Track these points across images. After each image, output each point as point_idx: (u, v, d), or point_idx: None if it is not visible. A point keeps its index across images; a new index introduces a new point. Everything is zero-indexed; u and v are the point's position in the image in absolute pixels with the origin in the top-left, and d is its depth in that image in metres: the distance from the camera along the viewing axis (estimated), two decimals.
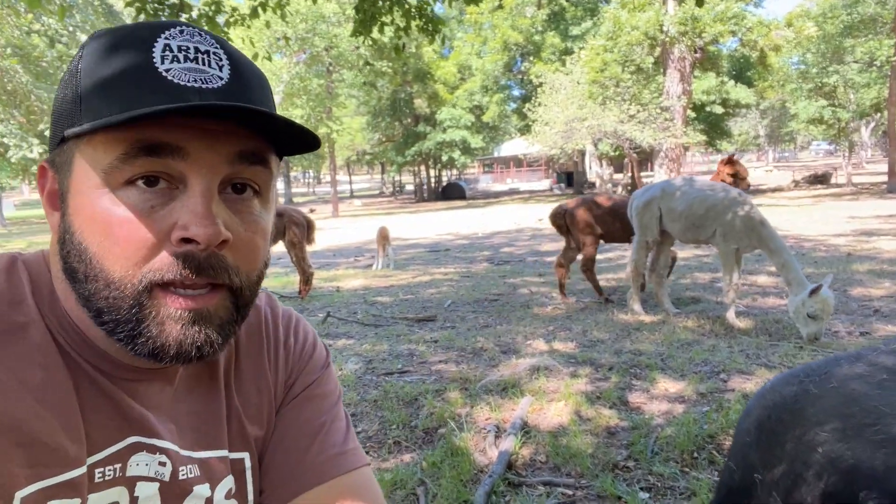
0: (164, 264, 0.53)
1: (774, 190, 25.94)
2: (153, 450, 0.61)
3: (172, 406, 0.64)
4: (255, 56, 6.06)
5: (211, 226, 0.52)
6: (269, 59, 6.36)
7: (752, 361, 3.96)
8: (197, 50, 0.55)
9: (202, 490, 0.65)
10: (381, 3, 5.62)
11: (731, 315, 4.94)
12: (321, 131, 30.97)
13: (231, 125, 0.55)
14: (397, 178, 51.93)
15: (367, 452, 2.86)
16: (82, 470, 0.55)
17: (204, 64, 0.55)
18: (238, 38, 6.41)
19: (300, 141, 0.59)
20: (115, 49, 0.54)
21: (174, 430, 0.64)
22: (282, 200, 36.69)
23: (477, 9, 31.35)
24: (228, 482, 0.68)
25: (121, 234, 0.52)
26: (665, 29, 19.34)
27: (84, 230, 0.54)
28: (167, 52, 0.54)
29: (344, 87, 33.16)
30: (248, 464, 0.70)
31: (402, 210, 32.54)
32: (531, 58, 32.64)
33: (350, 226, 22.57)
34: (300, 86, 29.45)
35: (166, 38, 0.54)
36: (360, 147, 41.27)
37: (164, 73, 0.53)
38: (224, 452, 0.68)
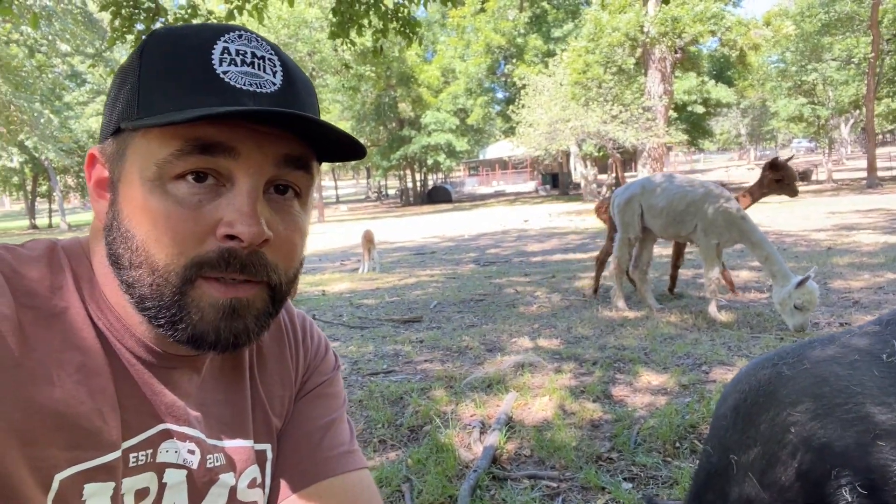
0: (209, 258, 0.55)
1: None
2: (183, 437, 0.62)
3: (200, 395, 0.66)
4: None
5: (255, 225, 0.55)
6: None
7: (734, 353, 4.00)
8: (254, 55, 0.57)
9: (227, 479, 0.66)
10: (357, 6, 5.62)
11: (713, 309, 4.99)
12: None
13: (280, 129, 0.57)
14: (383, 182, 51.91)
15: None
16: (118, 454, 0.57)
17: (259, 69, 0.57)
18: None
19: (343, 149, 0.62)
20: (177, 48, 0.56)
21: (201, 418, 0.65)
22: None
23: (459, 12, 31.52)
24: (252, 472, 0.69)
25: (168, 224, 0.54)
26: (645, 30, 19.52)
27: (133, 219, 0.55)
28: (226, 55, 0.56)
29: (328, 92, 33.07)
30: (269, 455, 0.72)
31: (387, 214, 32.52)
32: (514, 60, 32.82)
33: (336, 230, 22.52)
34: None
35: (225, 42, 0.56)
36: None
37: (221, 76, 0.55)
38: (249, 442, 0.69)
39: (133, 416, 0.59)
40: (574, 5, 32.31)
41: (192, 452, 0.63)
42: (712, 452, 1.53)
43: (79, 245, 0.62)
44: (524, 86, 25.03)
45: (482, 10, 31.75)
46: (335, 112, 36.16)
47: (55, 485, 0.52)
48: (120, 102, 0.57)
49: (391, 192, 53.17)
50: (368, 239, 10.15)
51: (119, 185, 0.57)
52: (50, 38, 19.17)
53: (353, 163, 46.47)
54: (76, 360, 0.55)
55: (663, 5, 19.20)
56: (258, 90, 0.56)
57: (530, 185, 42.62)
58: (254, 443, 0.70)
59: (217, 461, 0.65)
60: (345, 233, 20.57)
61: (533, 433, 2.90)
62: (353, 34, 5.99)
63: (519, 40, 32.60)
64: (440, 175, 47.22)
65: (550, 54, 28.15)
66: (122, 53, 30.74)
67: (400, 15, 5.85)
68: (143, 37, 0.61)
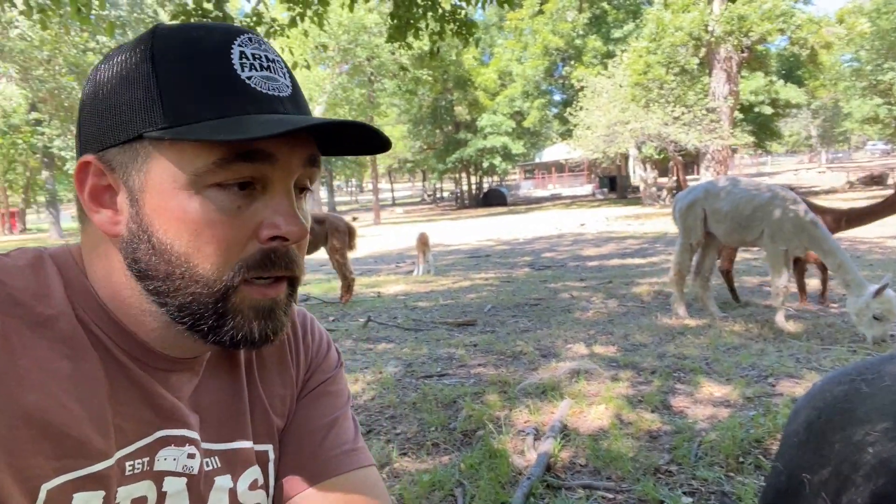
0: (253, 260, 0.56)
1: (828, 192, 24.99)
2: (181, 442, 0.62)
3: (197, 397, 0.65)
4: (295, 65, 6.19)
5: (299, 223, 0.57)
6: (308, 67, 6.47)
7: (803, 365, 3.82)
8: (267, 59, 0.58)
9: (224, 482, 0.66)
10: (415, 9, 5.66)
11: (780, 318, 4.78)
12: None
13: (308, 134, 0.59)
14: (438, 185, 52.18)
15: (405, 454, 2.86)
16: (109, 462, 0.56)
17: (273, 72, 0.58)
18: (278, 48, 6.56)
19: (347, 146, 0.64)
20: (194, 52, 0.55)
21: (199, 421, 0.65)
22: (325, 208, 37.27)
23: (517, 15, 31.41)
24: (253, 473, 0.68)
25: (212, 234, 0.54)
26: (710, 29, 18.95)
27: (169, 230, 0.54)
28: (244, 60, 0.56)
29: (385, 97, 33.51)
30: (271, 455, 0.71)
31: (442, 217, 32.65)
32: (572, 62, 32.43)
33: (391, 233, 22.77)
34: (343, 96, 29.91)
35: (240, 45, 0.56)
36: (402, 155, 41.60)
37: (246, 81, 0.55)
38: (248, 443, 0.68)
39: (129, 423, 0.58)
40: (635, 5, 31.66)
41: (192, 457, 0.62)
42: (782, 470, 1.46)
43: (68, 253, 0.61)
44: (582, 88, 24.71)
45: (540, 11, 31.53)
46: (392, 116, 36.61)
47: (42, 495, 0.52)
48: (129, 108, 0.54)
49: (445, 194, 53.34)
50: (423, 241, 10.21)
51: (142, 194, 0.55)
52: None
53: (409, 166, 47.09)
54: (65, 368, 0.54)
55: (729, 3, 18.62)
56: (279, 94, 0.57)
57: (587, 189, 41.98)
58: (253, 444, 0.69)
59: (214, 464, 0.65)
60: (400, 235, 20.77)
61: (588, 442, 2.83)
62: (410, 37, 6.05)
63: (577, 42, 32.18)
64: (495, 178, 47.09)
65: (610, 55, 27.66)
66: None
67: (457, 17, 5.86)
68: (148, 31, 0.58)
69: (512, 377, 3.86)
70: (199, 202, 0.54)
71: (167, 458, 0.61)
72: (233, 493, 0.66)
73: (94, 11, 4.74)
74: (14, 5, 4.78)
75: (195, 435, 0.63)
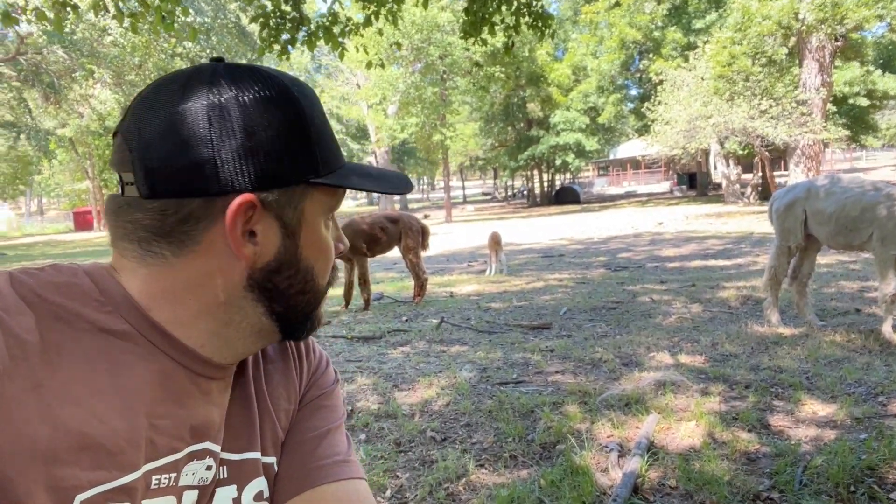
0: (330, 271, 0.71)
1: None
2: (203, 455, 0.64)
3: (224, 407, 0.68)
4: (369, 64, 6.19)
5: (344, 242, 0.74)
6: (382, 66, 6.47)
7: None
8: None
9: (228, 492, 0.67)
10: (490, 3, 5.55)
11: (887, 329, 4.37)
12: (435, 138, 31.50)
13: None
14: (510, 182, 51.83)
15: (481, 465, 2.76)
16: (136, 475, 0.57)
17: None
18: (352, 47, 6.60)
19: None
20: (315, 103, 0.65)
21: (223, 431, 0.67)
22: (397, 207, 37.74)
23: (592, 8, 30.69)
24: (259, 484, 0.70)
25: (329, 256, 0.69)
26: (801, 17, 17.84)
27: (312, 257, 0.66)
28: None
29: (457, 94, 33.51)
30: (276, 468, 0.73)
31: (514, 215, 32.39)
32: (650, 55, 31.35)
33: (462, 231, 22.76)
34: (415, 95, 30.13)
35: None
36: (473, 153, 41.54)
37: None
38: (257, 454, 0.70)
39: (163, 438, 0.59)
40: None
41: (209, 469, 0.65)
42: None
43: (104, 269, 0.62)
44: (661, 81, 23.85)
45: (617, 4, 30.64)
46: (464, 114, 36.59)
47: None
48: (291, 156, 0.61)
49: (517, 192, 52.91)
50: (495, 241, 10.09)
51: (298, 229, 0.64)
52: (208, 51, 21.02)
53: (480, 163, 46.98)
54: (104, 380, 0.56)
55: None
56: None
57: (664, 186, 40.61)
58: (261, 455, 0.71)
59: (222, 474, 0.67)
60: (471, 233, 20.72)
61: (678, 462, 2.64)
62: (485, 32, 5.94)
63: (656, 34, 31.06)
64: (568, 175, 46.28)
65: (691, 47, 26.58)
66: (272, 63, 33.11)
67: (532, 9, 5.71)
68: (278, 82, 0.62)
69: (592, 387, 3.69)
70: (326, 233, 0.68)
71: (188, 473, 0.63)
72: (237, 502, 0.68)
73: (177, 18, 4.89)
74: (107, 10, 5.00)
75: (217, 447, 0.65)
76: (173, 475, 0.61)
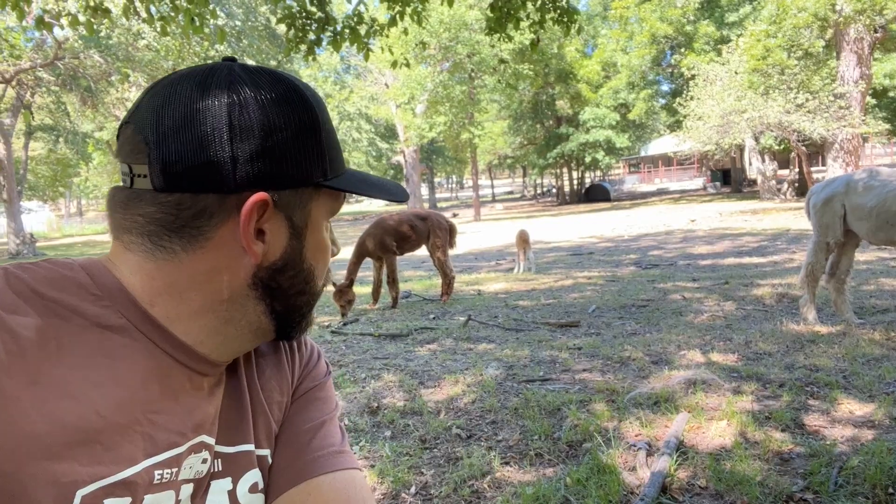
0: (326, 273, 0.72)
1: None
2: (199, 448, 0.64)
3: (218, 401, 0.69)
4: (395, 63, 6.20)
5: (338, 245, 0.74)
6: (408, 65, 6.46)
7: None
8: None
9: (224, 484, 0.68)
10: None
11: None
12: (463, 137, 31.46)
13: None
14: (539, 181, 51.49)
15: (507, 463, 2.74)
16: (136, 469, 0.57)
17: None
18: (378, 47, 6.61)
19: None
20: (323, 107, 0.65)
21: (217, 425, 0.68)
22: (426, 205, 37.80)
23: (622, 3, 30.28)
24: (253, 476, 0.70)
25: (327, 257, 0.71)
26: (838, 8, 17.32)
27: (313, 258, 0.68)
28: None
29: (485, 93, 33.40)
30: (270, 460, 0.73)
31: (543, 213, 32.18)
32: (682, 50, 30.81)
33: (491, 229, 22.69)
34: (443, 94, 30.11)
35: None
36: (502, 151, 41.38)
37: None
38: (251, 447, 0.70)
39: (161, 432, 0.59)
40: None
41: (204, 462, 0.65)
42: None
43: (100, 263, 0.62)
44: (693, 76, 23.37)
45: None
46: (492, 112, 36.45)
47: (77, 500, 0.53)
48: (306, 158, 0.62)
49: (545, 189, 52.56)
50: (523, 239, 10.03)
51: (304, 230, 0.66)
52: (239, 53, 21.32)
53: (509, 161, 46.76)
54: (103, 374, 0.56)
55: None
56: None
57: (697, 183, 39.86)
58: (255, 448, 0.71)
59: (216, 467, 0.67)
60: (500, 231, 20.64)
61: (709, 462, 2.58)
62: (510, 28, 5.89)
63: (688, 28, 30.50)
64: (598, 173, 45.78)
65: (724, 41, 26.01)
66: (300, 65, 33.44)
67: (558, 4, 5.64)
68: (293, 84, 0.63)
69: (620, 385, 3.63)
70: (325, 235, 0.69)
71: (187, 467, 0.63)
72: (232, 494, 0.68)
73: (207, 21, 4.95)
74: (138, 14, 5.10)
75: (212, 440, 0.66)
76: (174, 470, 0.61)
